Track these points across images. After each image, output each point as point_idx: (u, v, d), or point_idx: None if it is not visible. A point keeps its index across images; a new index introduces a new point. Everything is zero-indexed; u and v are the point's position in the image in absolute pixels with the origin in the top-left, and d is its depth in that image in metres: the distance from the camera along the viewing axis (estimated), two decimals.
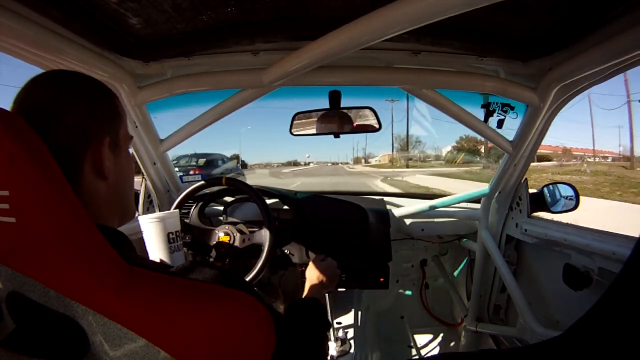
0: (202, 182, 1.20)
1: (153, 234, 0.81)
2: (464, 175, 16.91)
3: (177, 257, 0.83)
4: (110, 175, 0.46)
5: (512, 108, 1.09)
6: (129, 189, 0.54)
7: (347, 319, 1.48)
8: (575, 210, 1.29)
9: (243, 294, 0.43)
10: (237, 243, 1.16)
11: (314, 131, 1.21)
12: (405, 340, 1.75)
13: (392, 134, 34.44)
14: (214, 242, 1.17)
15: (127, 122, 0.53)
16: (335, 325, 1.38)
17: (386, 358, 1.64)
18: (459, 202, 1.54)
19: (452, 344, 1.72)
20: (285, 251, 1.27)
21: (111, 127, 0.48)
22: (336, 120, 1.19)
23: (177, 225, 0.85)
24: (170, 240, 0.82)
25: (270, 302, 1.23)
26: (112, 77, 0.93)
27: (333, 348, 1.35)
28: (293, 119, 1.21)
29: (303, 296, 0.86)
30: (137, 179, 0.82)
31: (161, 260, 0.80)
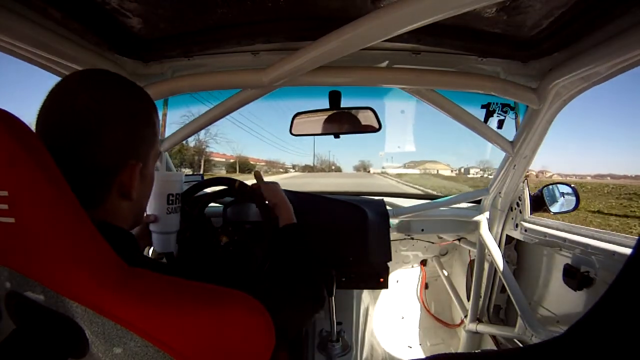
0: (202, 181, 1.20)
1: (154, 190, 0.82)
2: None
3: (173, 219, 0.84)
4: (134, 196, 0.48)
5: (512, 108, 1.09)
6: (146, 202, 0.56)
7: (347, 319, 1.48)
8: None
9: (242, 294, 0.43)
10: (236, 243, 1.16)
11: (314, 131, 1.21)
12: (405, 340, 1.75)
13: None
14: (213, 243, 1.16)
15: (158, 140, 0.53)
16: (336, 326, 1.38)
17: (386, 358, 1.64)
18: (459, 202, 1.54)
19: (452, 344, 1.72)
20: None
21: (145, 151, 0.48)
22: (336, 121, 1.19)
23: (179, 189, 0.86)
24: (169, 201, 0.83)
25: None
26: None
27: (333, 348, 1.36)
28: (293, 119, 1.21)
29: (280, 220, 0.91)
30: None
31: (156, 217, 0.81)
